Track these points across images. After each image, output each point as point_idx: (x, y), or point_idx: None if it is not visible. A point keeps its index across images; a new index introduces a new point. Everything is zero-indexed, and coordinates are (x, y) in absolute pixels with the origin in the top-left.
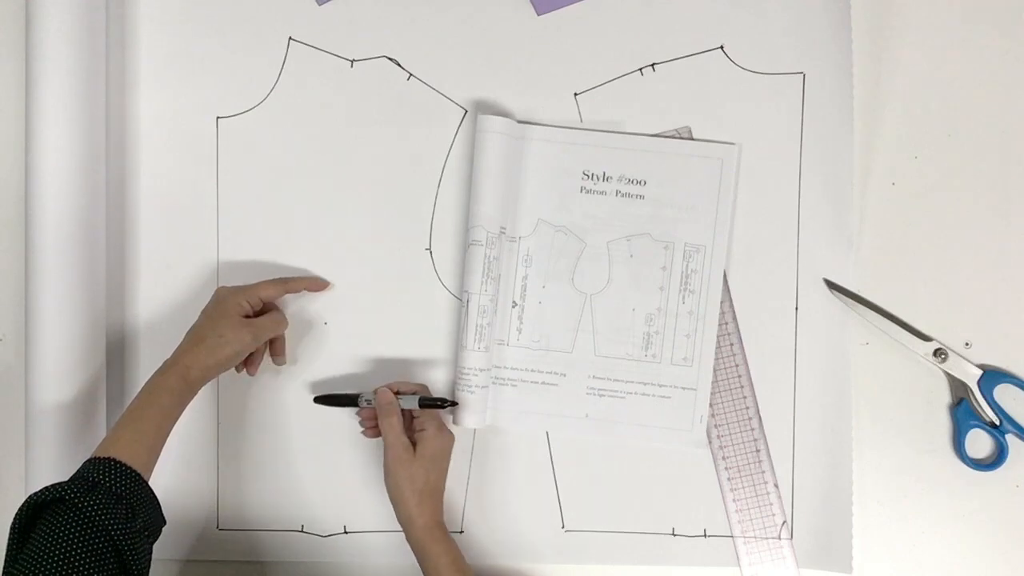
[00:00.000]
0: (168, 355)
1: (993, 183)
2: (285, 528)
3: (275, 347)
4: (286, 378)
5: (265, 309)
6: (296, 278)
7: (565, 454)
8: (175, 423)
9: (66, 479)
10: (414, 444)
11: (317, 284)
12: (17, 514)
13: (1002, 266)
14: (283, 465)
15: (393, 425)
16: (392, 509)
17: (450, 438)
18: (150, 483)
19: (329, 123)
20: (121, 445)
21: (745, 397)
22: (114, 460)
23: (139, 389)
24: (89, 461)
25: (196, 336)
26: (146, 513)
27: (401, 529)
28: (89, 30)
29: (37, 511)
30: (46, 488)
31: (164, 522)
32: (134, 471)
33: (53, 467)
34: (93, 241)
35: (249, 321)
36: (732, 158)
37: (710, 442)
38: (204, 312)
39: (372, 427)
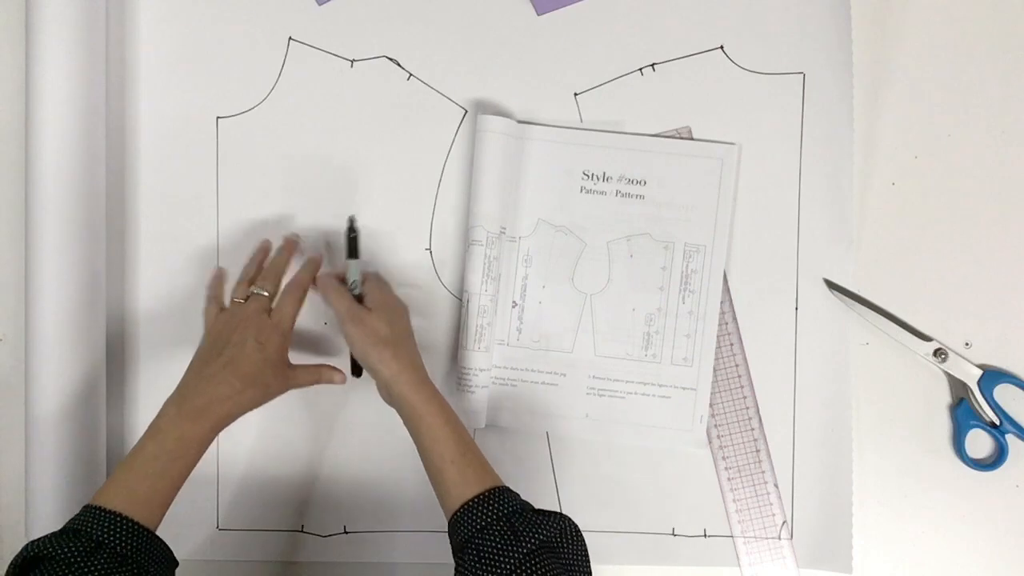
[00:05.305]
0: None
1: (993, 183)
2: (285, 528)
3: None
4: None
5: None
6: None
7: (565, 454)
8: (185, 461)
9: (66, 517)
10: None
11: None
12: (11, 567)
13: (1002, 266)
14: (283, 465)
15: (338, 290)
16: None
17: (396, 297)
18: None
19: (329, 123)
20: (124, 494)
21: (745, 397)
22: (118, 514)
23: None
24: (88, 511)
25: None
26: (157, 568)
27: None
28: (89, 30)
29: (31, 565)
30: (43, 542)
31: (176, 563)
32: (139, 525)
33: (53, 467)
34: (93, 241)
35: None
36: (732, 158)
37: (710, 442)
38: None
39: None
